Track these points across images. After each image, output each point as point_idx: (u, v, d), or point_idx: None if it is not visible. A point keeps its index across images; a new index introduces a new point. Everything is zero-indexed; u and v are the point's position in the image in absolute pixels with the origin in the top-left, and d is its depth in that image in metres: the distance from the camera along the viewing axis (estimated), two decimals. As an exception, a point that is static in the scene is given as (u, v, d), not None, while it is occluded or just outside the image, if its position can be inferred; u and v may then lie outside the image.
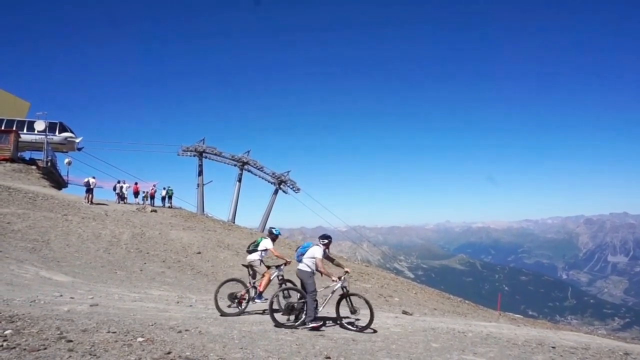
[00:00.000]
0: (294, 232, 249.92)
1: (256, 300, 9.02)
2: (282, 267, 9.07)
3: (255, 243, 9.30)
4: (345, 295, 8.12)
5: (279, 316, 7.69)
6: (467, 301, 25.68)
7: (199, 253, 18.40)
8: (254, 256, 9.11)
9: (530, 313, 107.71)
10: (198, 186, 41.44)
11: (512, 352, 7.21)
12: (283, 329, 7.36)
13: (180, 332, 6.23)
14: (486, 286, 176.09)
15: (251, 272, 9.19)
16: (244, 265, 9.56)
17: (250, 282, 8.96)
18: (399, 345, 6.86)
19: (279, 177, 42.20)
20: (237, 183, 42.17)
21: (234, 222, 38.83)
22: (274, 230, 9.48)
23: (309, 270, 7.81)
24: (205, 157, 41.59)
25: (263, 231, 39.68)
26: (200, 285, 13.80)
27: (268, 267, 9.24)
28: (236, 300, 8.53)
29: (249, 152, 42.71)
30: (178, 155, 41.77)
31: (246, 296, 8.65)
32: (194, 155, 41.54)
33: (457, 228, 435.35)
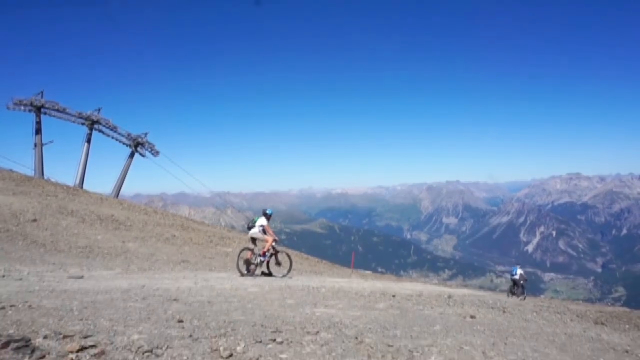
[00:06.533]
0: (154, 198, 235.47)
1: (261, 259, 11.89)
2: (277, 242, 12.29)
3: (253, 220, 12.14)
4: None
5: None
6: (324, 261, 27.37)
7: (35, 220, 16.10)
8: (255, 230, 11.99)
9: (379, 269, 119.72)
10: (35, 146, 35.91)
11: (359, 302, 7.90)
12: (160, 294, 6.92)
13: (3, 308, 5.39)
14: (343, 247, 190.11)
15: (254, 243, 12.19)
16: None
17: (254, 250, 11.96)
18: (255, 303, 6.97)
19: (135, 139, 38.59)
20: (86, 144, 37.51)
21: (81, 187, 34.84)
22: (267, 211, 12.37)
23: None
24: (45, 113, 36.02)
25: (117, 196, 36.49)
26: (35, 256, 12.14)
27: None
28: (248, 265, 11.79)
29: (99, 109, 38.13)
30: (8, 108, 35.45)
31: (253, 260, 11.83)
32: (30, 110, 35.67)
33: (318, 194, 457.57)
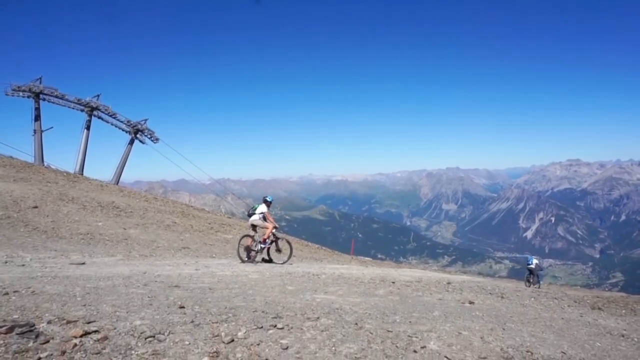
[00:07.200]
0: (154, 185, 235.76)
1: (261, 246, 11.95)
2: (277, 228, 12.35)
3: (254, 207, 12.26)
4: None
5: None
6: (324, 248, 27.50)
7: (36, 207, 16.15)
8: (255, 217, 12.05)
9: (379, 256, 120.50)
10: (35, 132, 35.83)
11: (359, 289, 7.96)
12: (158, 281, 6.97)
13: (7, 294, 5.44)
14: (343, 234, 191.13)
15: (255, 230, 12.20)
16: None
17: (255, 237, 12.02)
18: (256, 290, 7.03)
19: (134, 126, 38.50)
20: (85, 131, 37.47)
21: (81, 174, 34.86)
22: (267, 198, 12.42)
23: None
24: (44, 100, 35.89)
25: (117, 183, 36.51)
26: (36, 243, 12.20)
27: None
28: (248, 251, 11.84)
29: (98, 96, 37.96)
30: (7, 94, 35.32)
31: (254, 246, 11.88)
32: (29, 97, 35.52)
33: (318, 181, 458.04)
